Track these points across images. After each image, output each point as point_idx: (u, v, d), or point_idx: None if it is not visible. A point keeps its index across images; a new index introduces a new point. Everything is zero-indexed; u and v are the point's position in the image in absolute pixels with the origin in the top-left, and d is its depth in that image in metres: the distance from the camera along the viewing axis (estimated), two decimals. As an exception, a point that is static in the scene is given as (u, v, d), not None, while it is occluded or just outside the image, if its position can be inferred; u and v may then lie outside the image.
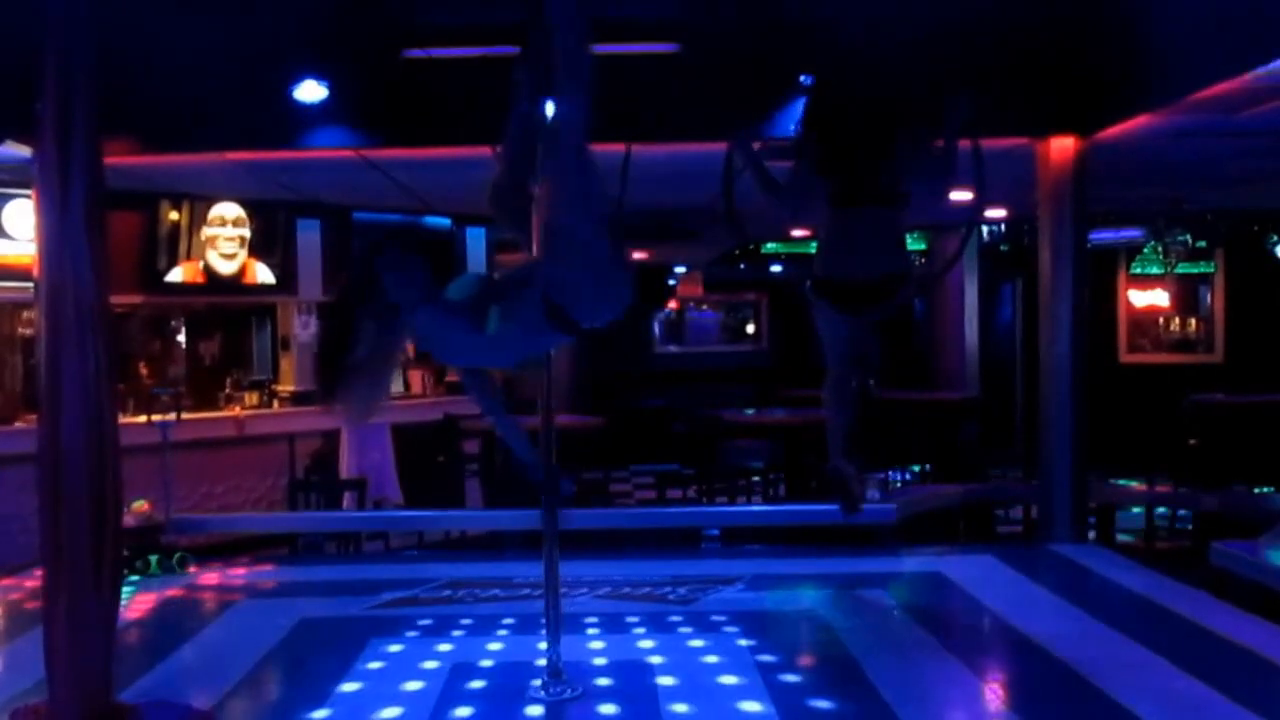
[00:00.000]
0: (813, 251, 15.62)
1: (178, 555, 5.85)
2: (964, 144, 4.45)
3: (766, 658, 4.15)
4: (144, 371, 9.58)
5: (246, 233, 9.34)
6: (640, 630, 4.58)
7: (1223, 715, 3.51)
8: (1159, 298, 13.01)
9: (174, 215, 8.95)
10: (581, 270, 3.12)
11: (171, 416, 6.88)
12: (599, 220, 3.17)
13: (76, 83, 3.18)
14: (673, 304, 17.74)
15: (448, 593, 5.31)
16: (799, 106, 4.74)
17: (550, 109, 3.27)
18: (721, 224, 5.82)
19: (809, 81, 4.61)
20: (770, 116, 5.69)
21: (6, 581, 5.52)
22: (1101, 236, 11.71)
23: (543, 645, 3.89)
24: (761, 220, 8.61)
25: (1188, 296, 12.96)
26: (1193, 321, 12.94)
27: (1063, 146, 6.26)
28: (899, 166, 4.44)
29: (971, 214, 5.68)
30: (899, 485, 9.12)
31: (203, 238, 9.10)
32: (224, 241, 9.23)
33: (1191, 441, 8.77)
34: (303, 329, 9.95)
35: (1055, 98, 6.09)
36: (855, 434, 4.58)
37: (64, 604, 3.17)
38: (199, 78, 5.80)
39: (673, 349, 17.25)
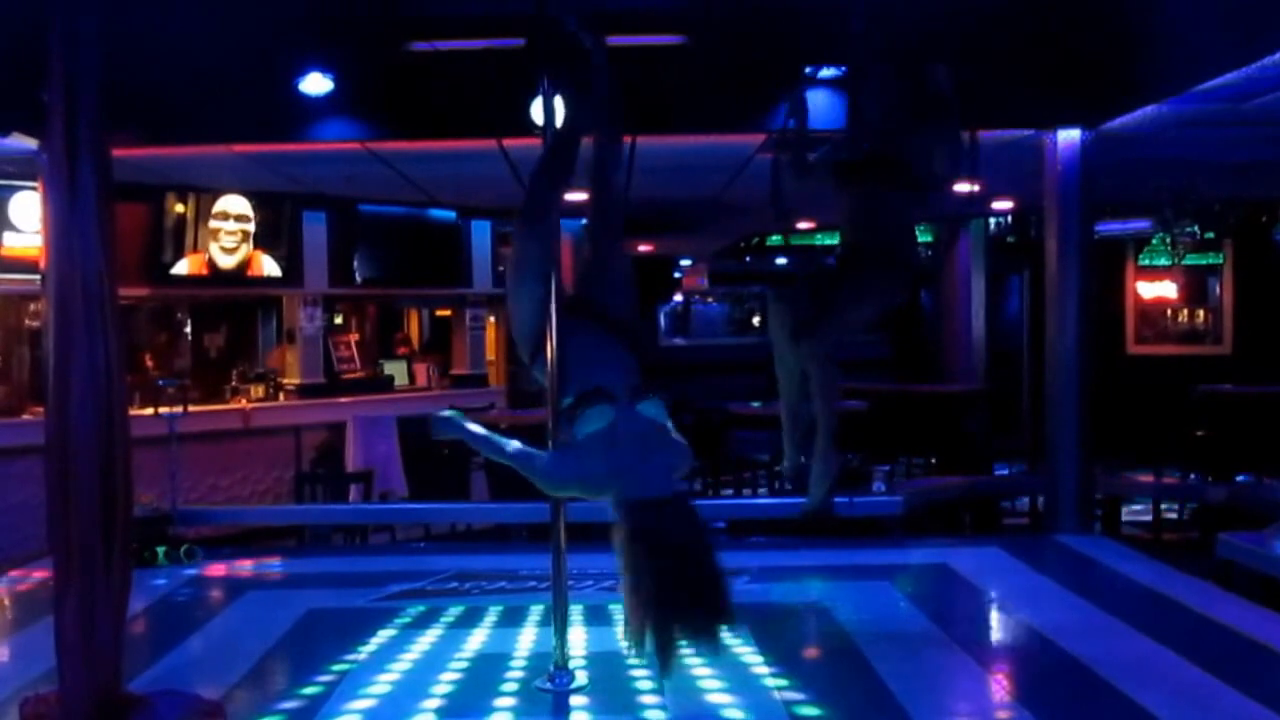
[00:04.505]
0: (816, 244, 15.47)
1: (185, 547, 5.87)
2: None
3: (772, 650, 4.15)
4: (150, 364, 9.59)
5: (250, 227, 9.35)
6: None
7: (1229, 706, 3.51)
8: (1167, 289, 12.97)
9: (179, 208, 8.95)
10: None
11: (178, 409, 6.88)
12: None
13: (82, 74, 3.18)
14: (678, 296, 17.74)
15: (454, 585, 5.32)
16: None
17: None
18: (724, 214, 5.79)
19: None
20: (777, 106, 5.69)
21: (16, 572, 5.55)
22: (1109, 228, 11.68)
23: (549, 637, 3.90)
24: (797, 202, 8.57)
25: (1196, 287, 12.91)
26: (1200, 313, 12.90)
27: (1069, 138, 6.24)
28: (932, 153, 4.37)
29: (966, 208, 5.63)
30: (905, 477, 9.12)
31: (209, 228, 9.11)
32: (225, 235, 9.22)
33: (1199, 433, 8.75)
34: (308, 321, 9.95)
35: (1062, 89, 6.06)
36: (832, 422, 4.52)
37: (74, 594, 3.18)
38: (205, 70, 5.80)
39: (679, 341, 17.24)
